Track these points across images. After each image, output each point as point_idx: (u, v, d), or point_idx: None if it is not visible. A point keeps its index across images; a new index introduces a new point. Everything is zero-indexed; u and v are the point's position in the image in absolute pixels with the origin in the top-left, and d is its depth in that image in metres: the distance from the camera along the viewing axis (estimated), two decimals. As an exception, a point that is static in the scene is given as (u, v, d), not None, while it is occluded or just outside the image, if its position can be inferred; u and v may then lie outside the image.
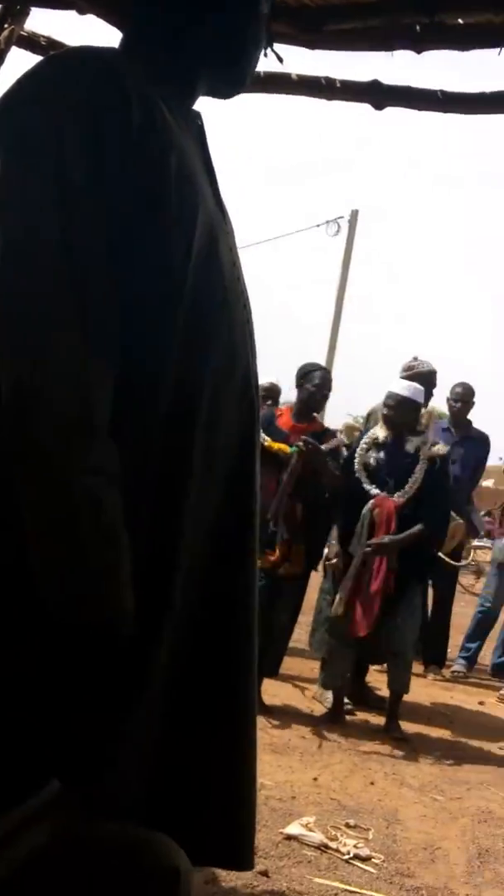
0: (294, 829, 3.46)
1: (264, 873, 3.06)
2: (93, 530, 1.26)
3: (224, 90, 1.66)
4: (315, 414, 5.65)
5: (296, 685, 5.79)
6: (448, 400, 7.11)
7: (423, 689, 6.33)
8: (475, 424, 7.14)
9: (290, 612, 5.42)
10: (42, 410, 1.25)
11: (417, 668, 6.46)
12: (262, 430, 5.27)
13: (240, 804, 1.54)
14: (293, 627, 5.55)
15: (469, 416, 7.11)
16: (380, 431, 5.38)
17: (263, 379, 6.81)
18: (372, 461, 5.30)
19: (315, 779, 4.20)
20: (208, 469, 1.48)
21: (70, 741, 1.33)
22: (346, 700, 5.54)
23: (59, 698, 1.32)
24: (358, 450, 5.38)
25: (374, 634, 5.14)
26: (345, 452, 5.49)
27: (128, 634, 1.30)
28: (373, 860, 3.35)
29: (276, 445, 5.26)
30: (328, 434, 5.57)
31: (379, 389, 6.20)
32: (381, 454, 5.31)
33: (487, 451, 7.19)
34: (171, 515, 1.42)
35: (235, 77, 1.64)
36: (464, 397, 7.04)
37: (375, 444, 5.35)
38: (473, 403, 7.10)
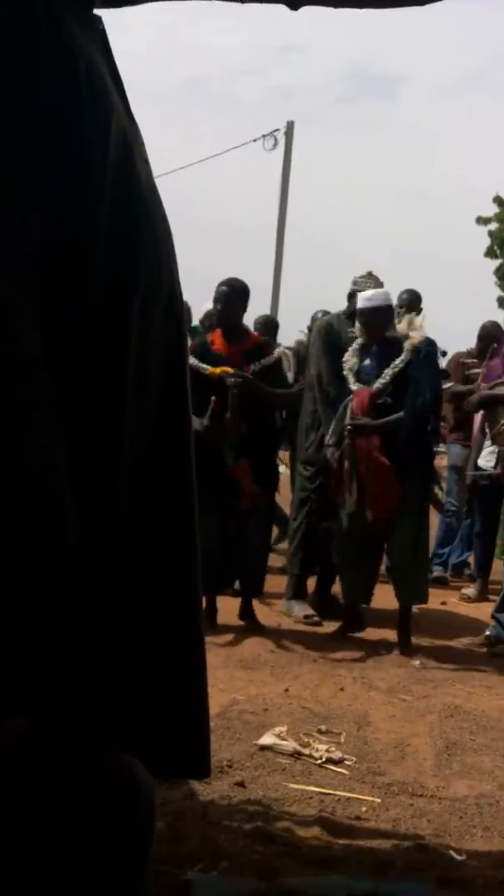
0: (267, 739, 3.56)
1: (241, 784, 3.16)
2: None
3: None
4: (251, 331, 5.59)
5: (263, 602, 5.89)
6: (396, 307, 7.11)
7: (388, 595, 6.46)
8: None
9: (262, 534, 5.51)
10: None
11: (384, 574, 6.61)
12: (198, 359, 5.28)
13: (193, 714, 1.59)
14: (266, 548, 5.63)
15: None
16: (361, 339, 5.39)
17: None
18: (359, 366, 5.33)
19: (286, 690, 4.31)
20: (141, 387, 1.48)
21: (27, 665, 1.34)
22: (311, 611, 5.69)
23: (13, 622, 1.33)
24: (346, 356, 5.40)
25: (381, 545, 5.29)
26: (288, 362, 5.46)
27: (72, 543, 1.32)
28: (345, 762, 3.46)
29: (218, 370, 5.28)
30: (266, 347, 5.55)
31: (325, 302, 6.20)
32: (367, 360, 5.33)
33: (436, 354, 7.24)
34: (109, 432, 1.43)
35: None
36: (411, 303, 7.04)
37: (362, 351, 5.37)
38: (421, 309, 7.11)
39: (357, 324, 5.42)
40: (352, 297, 5.88)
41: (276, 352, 5.53)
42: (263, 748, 3.51)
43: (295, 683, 4.43)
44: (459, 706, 4.25)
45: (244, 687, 4.29)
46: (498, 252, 23.73)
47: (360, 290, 5.80)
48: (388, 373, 5.17)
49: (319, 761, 3.43)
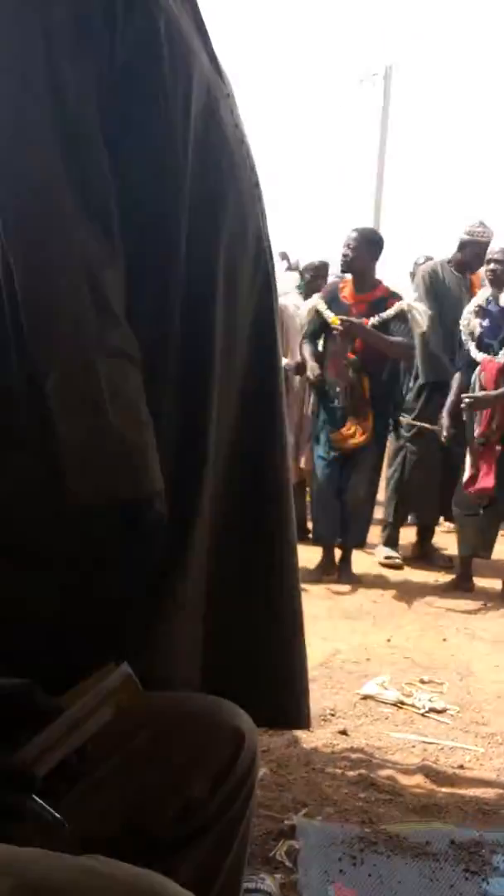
0: (370, 688, 3.57)
1: (343, 732, 3.19)
2: (116, 410, 1.29)
3: None
4: (379, 280, 5.46)
5: (366, 552, 5.88)
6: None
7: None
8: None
9: (366, 485, 5.46)
10: (52, 293, 1.28)
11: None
12: (326, 307, 5.29)
13: (290, 666, 1.62)
14: (373, 499, 5.61)
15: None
16: (482, 295, 5.27)
17: (315, 257, 6.69)
18: (478, 328, 5.20)
19: (388, 640, 4.32)
20: (231, 340, 1.49)
21: (125, 620, 1.39)
22: (394, 553, 5.77)
23: (111, 582, 1.37)
24: (462, 318, 5.29)
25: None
26: (419, 312, 5.35)
27: (161, 511, 1.35)
28: (448, 712, 3.45)
29: (338, 319, 5.25)
30: (392, 299, 5.36)
31: (426, 249, 6.02)
32: (486, 320, 5.19)
33: None
34: (198, 393, 1.45)
35: None
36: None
37: (479, 310, 5.23)
38: None
39: (484, 277, 5.23)
40: (464, 246, 5.73)
41: (401, 304, 5.34)
42: (366, 697, 3.52)
43: (397, 633, 4.43)
44: None
45: (346, 637, 4.31)
46: None
47: (475, 240, 5.65)
48: None
49: (422, 710, 3.43)
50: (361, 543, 5.67)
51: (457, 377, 5.30)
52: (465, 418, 5.11)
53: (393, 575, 5.57)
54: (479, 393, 5.03)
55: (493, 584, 5.37)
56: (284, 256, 7.76)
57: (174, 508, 1.38)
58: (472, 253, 5.71)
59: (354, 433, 5.25)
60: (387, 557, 5.87)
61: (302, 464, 5.89)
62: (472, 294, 5.68)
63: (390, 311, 5.28)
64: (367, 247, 5.34)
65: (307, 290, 6.23)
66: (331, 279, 6.58)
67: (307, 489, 5.92)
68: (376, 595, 5.11)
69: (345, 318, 5.20)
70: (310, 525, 6.11)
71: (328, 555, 5.51)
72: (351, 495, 5.39)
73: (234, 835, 1.39)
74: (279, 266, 5.79)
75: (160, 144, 1.38)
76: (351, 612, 4.76)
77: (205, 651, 1.53)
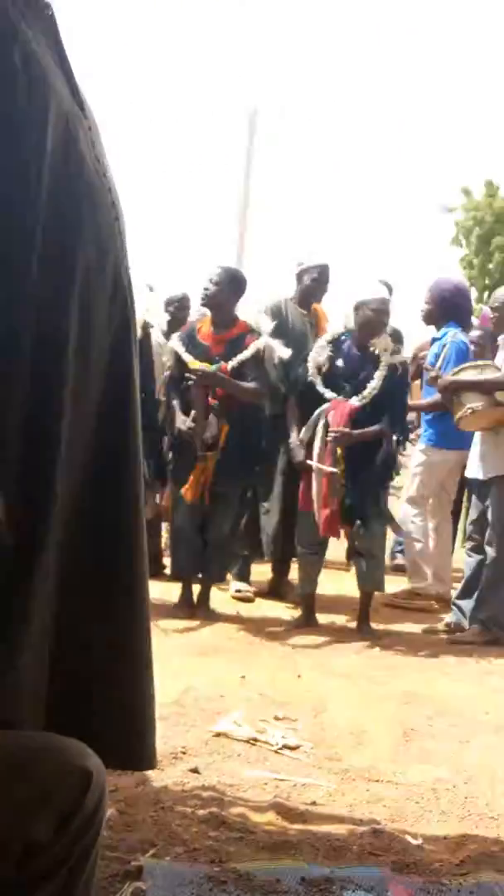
0: (223, 725, 3.52)
1: (195, 770, 3.11)
2: None
3: None
4: (239, 317, 5.48)
5: (220, 588, 5.85)
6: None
7: (349, 582, 6.47)
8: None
9: (230, 521, 5.45)
10: None
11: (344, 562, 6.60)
12: (183, 349, 5.28)
13: (133, 707, 1.58)
14: (233, 537, 5.59)
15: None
16: (335, 331, 5.35)
17: (178, 291, 6.70)
18: (328, 365, 5.26)
19: (243, 676, 4.27)
20: (84, 374, 1.45)
21: None
22: (245, 587, 5.80)
23: None
24: (312, 354, 5.30)
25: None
26: (277, 352, 5.37)
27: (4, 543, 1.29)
28: (301, 748, 3.42)
29: (196, 364, 5.24)
30: (251, 336, 5.36)
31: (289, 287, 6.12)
32: (339, 360, 5.27)
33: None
34: (47, 423, 1.40)
35: None
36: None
37: (334, 348, 5.29)
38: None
39: (355, 319, 5.29)
40: (300, 277, 5.89)
41: (257, 343, 5.37)
42: (219, 734, 3.46)
43: (252, 670, 4.40)
44: (417, 692, 4.23)
45: (200, 674, 4.24)
46: (463, 242, 23.88)
47: (306, 266, 5.87)
48: (369, 393, 5.14)
49: (275, 747, 3.40)
50: (222, 579, 5.66)
51: (292, 406, 5.38)
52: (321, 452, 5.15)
53: (248, 611, 5.54)
54: (345, 430, 5.07)
55: (348, 620, 5.41)
56: (150, 288, 7.76)
57: (18, 543, 1.33)
58: (310, 279, 5.86)
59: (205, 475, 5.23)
60: (237, 591, 5.89)
61: (162, 500, 5.85)
62: (318, 328, 5.80)
63: (247, 353, 5.29)
64: (229, 283, 5.37)
65: (170, 324, 6.22)
66: (193, 314, 6.62)
67: (163, 524, 5.86)
68: (231, 631, 5.08)
69: (198, 368, 5.19)
70: (165, 560, 6.06)
71: (187, 590, 5.46)
72: (214, 531, 5.38)
73: (79, 877, 1.34)
74: (145, 298, 5.77)
75: (11, 175, 1.35)
76: (205, 649, 4.70)
77: (51, 689, 1.48)
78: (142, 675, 1.61)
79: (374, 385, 5.14)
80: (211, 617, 5.29)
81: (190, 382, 5.23)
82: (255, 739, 3.44)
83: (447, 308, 6.11)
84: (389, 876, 2.43)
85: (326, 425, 5.12)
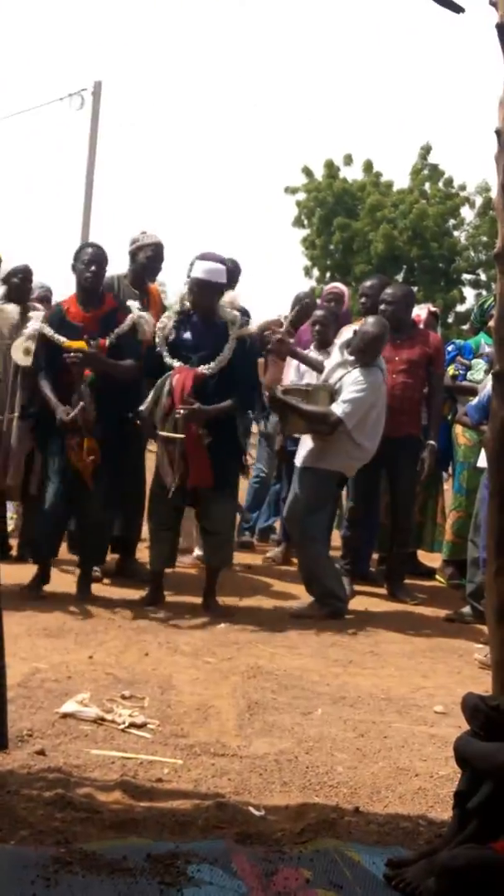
0: (69, 706, 3.52)
1: (41, 752, 3.11)
2: None
3: None
4: (107, 293, 5.51)
5: (62, 570, 5.81)
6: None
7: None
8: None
9: (101, 503, 5.42)
10: None
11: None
12: (55, 329, 5.21)
13: None
14: (104, 518, 5.56)
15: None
16: (180, 308, 5.37)
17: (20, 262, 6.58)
18: (174, 337, 5.29)
19: (90, 657, 4.28)
20: None
21: None
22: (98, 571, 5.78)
23: None
24: (158, 326, 5.34)
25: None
26: (146, 322, 5.38)
27: None
28: (148, 726, 3.47)
29: (75, 344, 5.21)
30: (121, 311, 5.42)
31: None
32: (187, 333, 5.30)
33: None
34: None
35: None
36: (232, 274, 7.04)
37: (181, 321, 5.32)
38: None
39: (187, 293, 5.37)
40: (134, 256, 5.90)
41: (132, 317, 5.40)
42: (65, 716, 3.47)
43: (99, 650, 4.41)
44: (262, 667, 4.33)
45: (47, 655, 4.23)
46: (305, 222, 24.21)
47: (142, 243, 5.90)
48: (216, 364, 5.19)
49: (122, 726, 3.43)
50: (101, 561, 5.72)
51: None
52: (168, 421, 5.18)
53: (97, 591, 5.53)
54: (196, 405, 5.08)
55: (195, 598, 5.47)
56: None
57: None
58: (143, 257, 5.89)
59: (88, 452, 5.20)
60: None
61: (8, 480, 5.78)
62: (152, 307, 5.82)
63: (124, 326, 5.34)
64: (105, 263, 5.45)
65: (9, 294, 6.10)
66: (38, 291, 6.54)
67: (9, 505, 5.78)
68: (78, 611, 5.06)
69: (75, 352, 5.15)
70: (12, 542, 5.99)
71: (44, 572, 5.42)
72: (89, 513, 5.39)
73: None
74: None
75: None
76: (52, 630, 4.67)
77: None
78: None
79: (223, 356, 5.21)
80: (91, 602, 5.28)
81: (67, 360, 5.16)
82: (102, 719, 3.46)
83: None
84: (233, 847, 2.50)
85: (170, 392, 5.15)
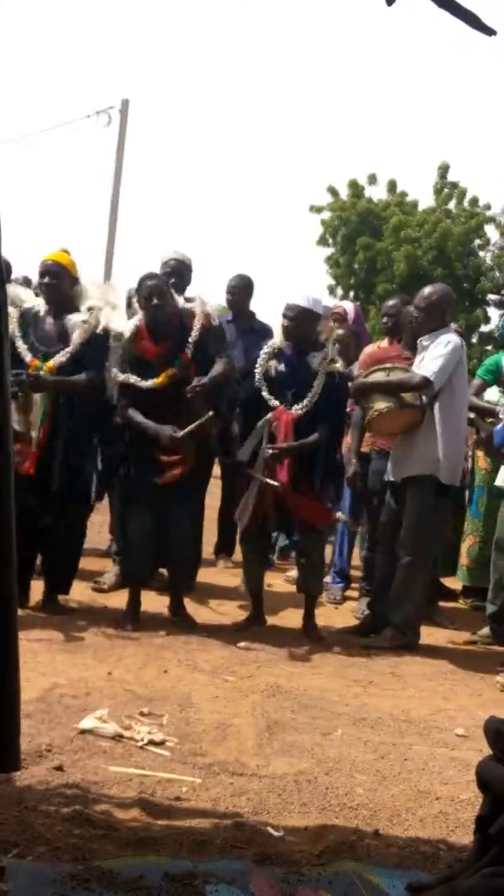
0: (88, 722, 3.51)
1: (59, 768, 3.10)
2: None
3: None
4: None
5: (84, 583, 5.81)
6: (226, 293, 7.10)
7: (214, 576, 6.52)
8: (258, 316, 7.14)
9: (191, 519, 5.48)
10: None
11: (209, 556, 6.65)
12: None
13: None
14: (192, 536, 5.62)
15: (251, 308, 7.13)
16: (279, 342, 5.38)
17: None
18: (273, 372, 5.31)
19: (109, 673, 4.26)
20: None
21: None
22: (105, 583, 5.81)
23: None
24: (259, 359, 5.35)
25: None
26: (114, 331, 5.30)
27: None
28: (167, 744, 3.45)
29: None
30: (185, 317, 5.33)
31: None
32: (282, 366, 5.32)
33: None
34: None
35: None
36: (242, 289, 7.06)
37: (276, 355, 5.34)
38: (251, 294, 7.12)
39: (282, 324, 5.35)
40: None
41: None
42: (84, 732, 3.45)
43: (118, 666, 4.39)
44: (281, 686, 4.31)
45: (65, 671, 4.22)
46: (329, 241, 24.24)
47: (161, 263, 5.97)
48: (308, 402, 5.20)
49: (141, 743, 3.41)
50: (189, 588, 5.77)
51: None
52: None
53: (114, 603, 5.52)
54: (284, 444, 5.14)
55: (213, 615, 5.45)
56: (27, 281, 7.62)
57: None
58: (163, 274, 5.86)
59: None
60: (95, 582, 5.90)
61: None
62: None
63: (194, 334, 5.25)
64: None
65: None
66: None
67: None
68: (97, 628, 5.04)
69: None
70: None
71: (134, 597, 5.39)
72: (175, 534, 5.33)
73: None
74: (24, 290, 5.77)
75: None
76: (70, 646, 4.67)
77: None
78: (7, 673, 1.59)
79: (314, 393, 5.21)
80: (188, 626, 5.26)
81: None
82: (121, 736, 3.45)
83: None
84: (251, 868, 2.47)
85: (270, 434, 5.19)
